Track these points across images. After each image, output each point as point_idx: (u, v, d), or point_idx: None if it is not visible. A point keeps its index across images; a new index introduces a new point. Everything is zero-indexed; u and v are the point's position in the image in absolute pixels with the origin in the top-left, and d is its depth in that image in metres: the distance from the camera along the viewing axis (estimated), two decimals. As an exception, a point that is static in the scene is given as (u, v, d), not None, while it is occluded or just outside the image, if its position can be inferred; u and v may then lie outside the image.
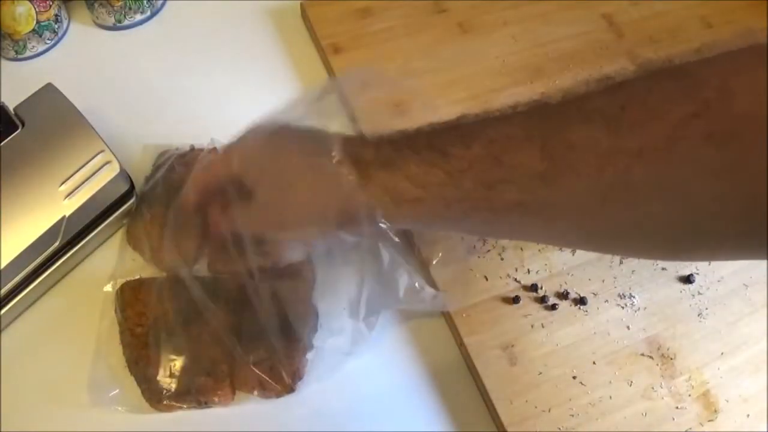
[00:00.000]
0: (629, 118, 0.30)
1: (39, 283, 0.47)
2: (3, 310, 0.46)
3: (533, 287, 0.48)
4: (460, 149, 0.33)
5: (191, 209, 0.43)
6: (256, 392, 0.44)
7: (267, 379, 0.44)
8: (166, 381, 0.44)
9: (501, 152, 0.32)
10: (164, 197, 0.50)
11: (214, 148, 0.53)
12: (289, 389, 0.44)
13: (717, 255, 0.40)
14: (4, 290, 0.45)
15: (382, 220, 0.36)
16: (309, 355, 0.46)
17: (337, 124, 0.42)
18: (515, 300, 0.48)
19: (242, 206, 0.40)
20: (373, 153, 0.36)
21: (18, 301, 0.46)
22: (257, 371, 0.44)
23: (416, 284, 0.45)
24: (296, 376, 0.44)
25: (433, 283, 0.48)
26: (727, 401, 0.45)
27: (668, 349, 0.47)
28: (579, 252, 0.50)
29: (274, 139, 0.40)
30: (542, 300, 0.48)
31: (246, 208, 0.39)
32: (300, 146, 0.39)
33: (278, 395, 0.44)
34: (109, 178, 0.48)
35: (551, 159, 0.31)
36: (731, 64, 0.30)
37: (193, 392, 0.44)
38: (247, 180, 0.39)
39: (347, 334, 0.46)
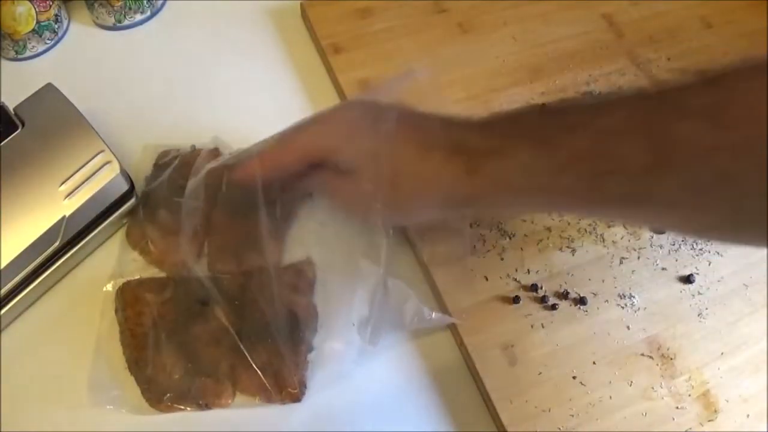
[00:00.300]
0: (730, 115, 0.30)
1: (39, 283, 0.47)
2: (3, 310, 0.46)
3: (533, 287, 0.48)
4: (565, 139, 0.34)
5: (258, 182, 0.44)
6: (258, 399, 0.44)
7: (272, 386, 0.44)
8: (166, 381, 0.44)
9: (607, 145, 0.33)
10: (167, 197, 0.51)
11: (216, 148, 0.53)
12: (296, 398, 0.44)
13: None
14: (4, 290, 0.45)
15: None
16: (310, 356, 0.46)
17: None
18: (515, 300, 0.48)
19: (344, 181, 0.40)
20: (480, 140, 0.37)
21: (18, 301, 0.46)
22: (261, 377, 0.44)
23: (424, 312, 0.47)
24: (302, 384, 0.44)
25: (435, 304, 0.49)
26: (727, 401, 0.45)
27: (668, 349, 0.47)
28: (579, 252, 0.50)
29: (373, 119, 0.39)
30: (542, 300, 0.48)
31: (349, 186, 0.40)
32: (404, 133, 0.39)
33: (283, 403, 0.44)
34: (109, 178, 0.48)
35: (656, 153, 0.31)
36: None
37: (193, 393, 0.44)
38: (344, 158, 0.40)
39: (354, 347, 0.46)
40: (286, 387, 0.44)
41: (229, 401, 0.44)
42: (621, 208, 0.35)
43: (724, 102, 0.31)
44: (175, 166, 0.52)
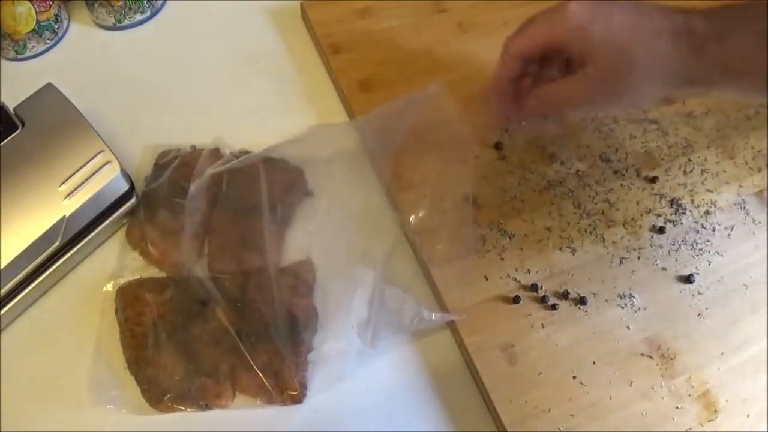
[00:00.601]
0: None
1: (39, 283, 0.47)
2: (3, 310, 0.46)
3: (533, 287, 0.48)
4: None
5: (508, 78, 0.46)
6: (258, 400, 0.44)
7: (273, 387, 0.44)
8: (166, 381, 0.44)
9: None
10: (168, 198, 0.51)
11: (216, 149, 0.53)
12: (297, 400, 0.44)
13: None
14: (4, 290, 0.45)
15: None
16: (309, 357, 0.46)
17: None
18: (515, 300, 0.48)
19: (572, 80, 0.43)
20: (705, 24, 0.39)
21: (18, 301, 0.46)
22: (262, 378, 0.44)
23: (423, 314, 0.47)
24: (303, 386, 0.44)
25: (435, 304, 0.49)
26: (727, 401, 0.45)
27: (668, 349, 0.47)
28: (579, 252, 0.50)
29: (600, 9, 0.42)
30: (542, 300, 0.48)
31: (576, 82, 0.42)
32: (629, 18, 0.41)
33: (284, 404, 0.44)
34: (109, 178, 0.48)
35: None
36: None
37: (193, 393, 0.44)
38: (574, 49, 0.42)
39: (354, 349, 0.46)
40: (287, 388, 0.44)
41: (229, 402, 0.44)
42: None
43: None
44: (175, 167, 0.52)
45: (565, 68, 0.46)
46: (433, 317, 0.47)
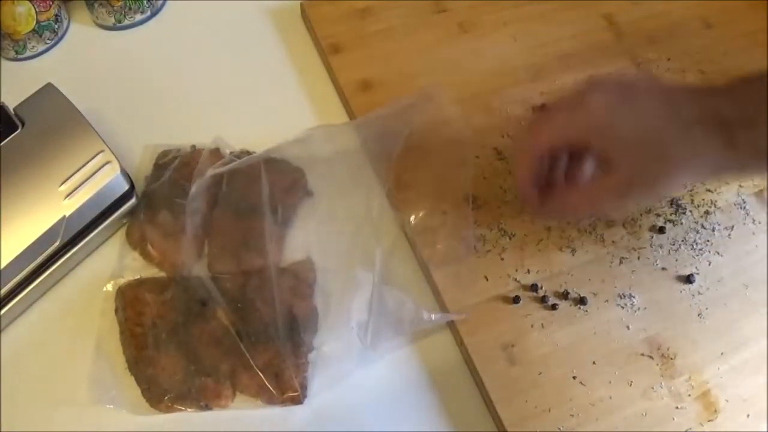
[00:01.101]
0: None
1: (39, 282, 0.47)
2: (3, 310, 0.46)
3: (533, 287, 0.48)
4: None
5: (529, 179, 0.43)
6: (259, 400, 0.44)
7: (273, 388, 0.44)
8: (167, 381, 0.44)
9: None
10: (168, 198, 0.51)
11: (217, 149, 0.53)
12: (297, 401, 0.44)
13: None
14: (5, 290, 0.45)
15: None
16: (310, 357, 0.46)
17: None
18: (515, 300, 0.48)
19: (600, 183, 0.40)
20: (733, 109, 0.37)
21: (18, 300, 0.46)
22: (262, 378, 0.44)
23: (423, 315, 0.47)
24: (304, 387, 0.44)
25: (435, 304, 0.49)
26: (727, 401, 0.45)
27: (668, 349, 0.47)
28: (579, 252, 0.50)
29: (624, 103, 0.39)
30: (542, 300, 0.48)
31: (605, 184, 0.40)
32: (657, 111, 0.39)
33: (284, 405, 0.44)
34: (109, 178, 0.48)
35: None
36: None
37: (193, 393, 0.44)
38: (600, 148, 0.40)
39: (354, 350, 0.46)
40: (287, 389, 0.44)
41: (229, 402, 0.44)
42: None
43: None
44: (175, 167, 0.52)
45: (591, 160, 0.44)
46: (432, 317, 0.47)
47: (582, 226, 0.52)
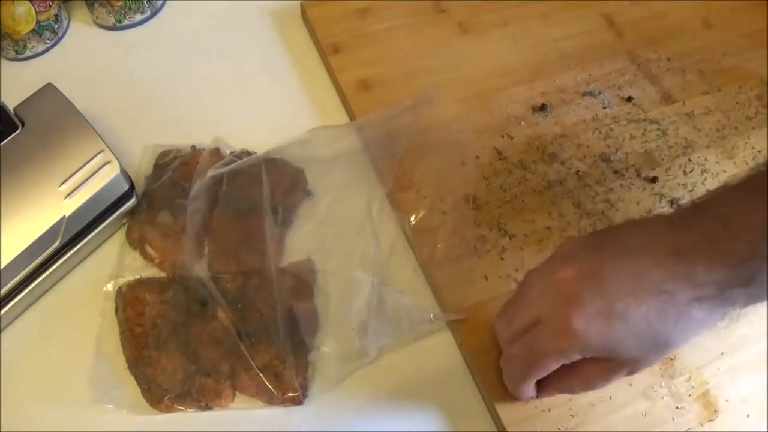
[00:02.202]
0: None
1: (39, 282, 0.47)
2: (3, 310, 0.46)
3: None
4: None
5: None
6: (259, 401, 0.44)
7: (274, 388, 0.44)
8: (167, 381, 0.44)
9: None
10: (168, 198, 0.51)
11: (217, 149, 0.53)
12: (297, 402, 0.44)
13: None
14: (5, 290, 0.45)
15: None
16: (310, 357, 0.46)
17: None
18: (515, 300, 0.48)
19: (599, 366, 0.38)
20: (729, 273, 0.34)
21: (18, 300, 0.46)
22: (262, 378, 0.44)
23: (422, 315, 0.47)
24: (304, 387, 0.44)
25: (435, 303, 0.49)
26: (727, 401, 0.45)
27: (668, 349, 0.47)
28: (579, 252, 0.50)
29: (612, 314, 0.35)
30: (542, 300, 0.48)
31: (605, 367, 0.38)
32: (651, 305, 0.35)
33: (284, 405, 0.44)
34: (109, 178, 0.48)
35: None
36: None
37: (194, 393, 0.44)
38: (593, 350, 0.36)
39: (355, 350, 0.46)
40: (287, 390, 0.44)
41: (230, 402, 0.44)
42: None
43: None
44: (175, 167, 0.52)
45: None
46: (432, 318, 0.47)
47: (581, 225, 0.52)
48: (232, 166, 0.51)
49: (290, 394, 0.44)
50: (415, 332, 0.47)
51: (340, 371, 0.46)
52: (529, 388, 0.41)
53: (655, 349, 0.36)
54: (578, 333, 0.35)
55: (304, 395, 0.44)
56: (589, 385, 0.39)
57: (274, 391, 0.44)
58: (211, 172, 0.50)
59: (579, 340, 0.35)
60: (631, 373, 0.38)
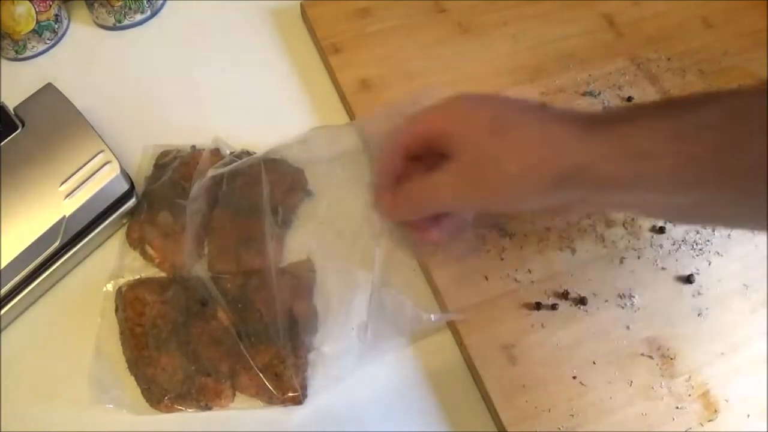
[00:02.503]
0: None
1: (39, 282, 0.47)
2: (3, 310, 0.46)
3: (533, 287, 0.48)
4: (692, 114, 0.32)
5: (387, 173, 0.40)
6: (258, 401, 0.44)
7: (273, 388, 0.44)
8: (167, 382, 0.44)
9: (740, 118, 0.31)
10: (168, 198, 0.51)
11: (216, 149, 0.53)
12: (297, 402, 0.44)
13: None
14: (5, 290, 0.45)
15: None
16: (309, 357, 0.46)
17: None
18: (515, 300, 0.47)
19: (437, 175, 0.36)
20: (599, 114, 0.35)
21: (18, 300, 0.46)
22: (262, 378, 0.44)
23: (423, 317, 0.46)
24: (304, 387, 0.44)
25: (435, 303, 0.49)
26: (727, 401, 0.45)
27: (668, 349, 0.47)
28: (579, 252, 0.50)
29: (490, 99, 0.37)
30: (542, 300, 0.48)
31: (440, 176, 0.36)
32: (516, 105, 0.36)
33: (284, 405, 0.44)
34: (109, 178, 0.48)
35: None
36: None
37: (193, 393, 0.44)
38: (454, 139, 0.36)
39: (354, 350, 0.46)
40: (287, 390, 0.44)
41: (230, 402, 0.44)
42: (750, 191, 0.32)
43: None
44: (175, 167, 0.52)
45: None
46: (432, 318, 0.47)
47: (582, 225, 0.52)
48: (231, 166, 0.51)
49: (290, 394, 0.44)
50: (415, 332, 0.47)
51: (340, 371, 0.46)
52: (390, 157, 0.40)
53: (487, 147, 0.35)
54: (457, 98, 0.38)
55: (304, 395, 0.44)
56: (428, 195, 0.38)
57: (274, 391, 0.44)
58: (210, 172, 0.50)
59: (452, 103, 0.38)
60: (462, 191, 0.36)
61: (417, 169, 0.39)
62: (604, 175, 0.33)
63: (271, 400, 0.44)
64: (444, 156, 0.37)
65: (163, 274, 0.49)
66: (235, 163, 0.51)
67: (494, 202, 0.37)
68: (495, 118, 0.36)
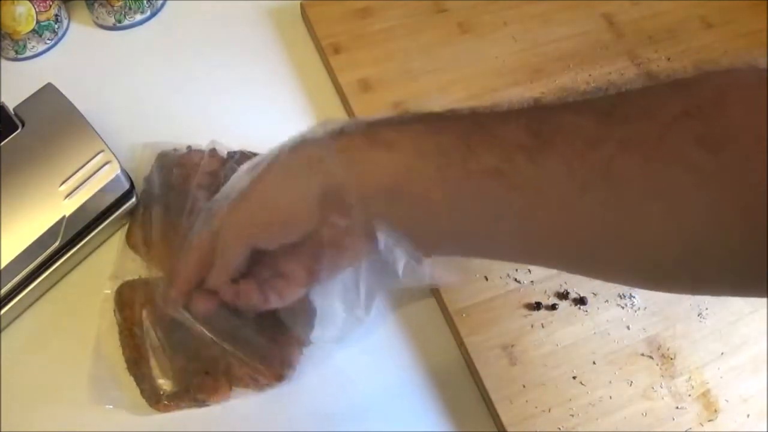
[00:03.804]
0: (620, 113, 0.30)
1: (39, 283, 0.47)
2: (3, 310, 0.46)
3: (533, 287, 0.48)
4: (443, 119, 0.33)
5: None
6: (251, 387, 0.44)
7: (257, 368, 0.44)
8: (165, 380, 0.44)
9: (486, 120, 0.32)
10: (163, 199, 0.51)
11: (213, 149, 0.53)
12: (280, 378, 0.44)
13: (709, 285, 0.33)
14: (4, 290, 0.45)
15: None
16: (306, 348, 0.45)
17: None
18: (515, 300, 0.47)
19: (231, 208, 0.36)
20: (359, 128, 0.34)
21: (18, 301, 0.46)
22: (253, 366, 0.44)
23: (414, 260, 0.45)
24: (286, 364, 0.44)
25: (438, 304, 0.48)
26: (727, 401, 0.45)
27: (668, 349, 0.47)
28: (579, 252, 0.50)
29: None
30: (542, 300, 0.48)
31: (234, 210, 0.36)
32: (290, 152, 0.36)
33: (270, 385, 0.44)
34: (109, 178, 0.48)
35: (536, 136, 0.30)
36: (726, 78, 0.30)
37: (192, 391, 0.44)
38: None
39: (338, 321, 0.45)
40: (271, 367, 0.44)
41: (227, 396, 0.44)
42: (496, 189, 0.31)
43: (614, 104, 0.30)
44: (174, 167, 0.52)
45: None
46: (425, 263, 0.45)
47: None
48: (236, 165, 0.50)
49: (278, 372, 0.44)
50: (410, 280, 0.45)
51: (329, 350, 0.46)
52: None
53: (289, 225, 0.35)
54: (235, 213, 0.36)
55: (285, 370, 0.44)
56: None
57: (263, 375, 0.44)
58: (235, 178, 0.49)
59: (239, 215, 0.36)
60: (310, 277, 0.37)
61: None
62: (362, 183, 0.33)
63: (259, 384, 0.44)
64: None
65: (161, 274, 0.49)
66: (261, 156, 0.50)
67: (279, 235, 0.36)
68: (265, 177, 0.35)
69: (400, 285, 0.43)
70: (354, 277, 0.44)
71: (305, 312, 0.47)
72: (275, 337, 0.45)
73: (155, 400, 0.44)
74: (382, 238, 0.39)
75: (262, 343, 0.44)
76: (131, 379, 0.44)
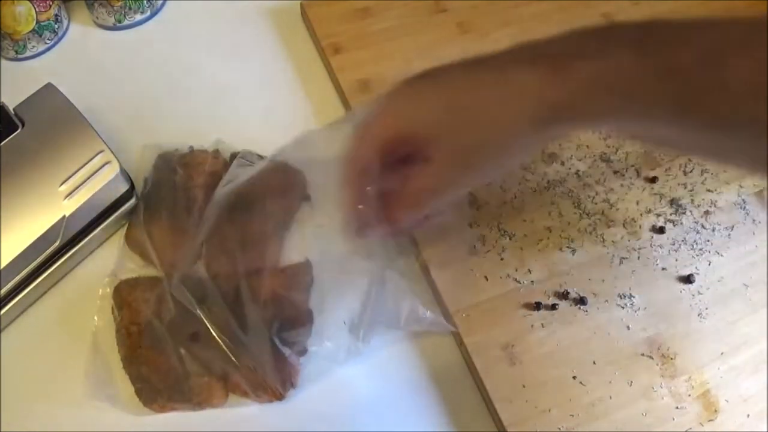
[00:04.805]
0: None
1: (39, 282, 0.47)
2: (3, 310, 0.46)
3: (533, 287, 0.48)
4: (667, 51, 0.31)
5: (361, 170, 0.38)
6: (251, 398, 0.45)
7: (258, 385, 0.44)
8: (160, 381, 0.44)
9: (719, 58, 0.30)
10: (167, 198, 0.51)
11: (216, 150, 0.53)
12: (280, 397, 0.44)
13: None
14: (4, 290, 0.45)
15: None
16: (302, 359, 0.46)
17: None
18: (515, 300, 0.47)
19: (422, 171, 0.36)
20: (565, 46, 0.33)
21: (18, 300, 0.46)
22: (252, 376, 0.44)
23: (419, 310, 0.46)
24: (287, 384, 0.44)
25: (435, 305, 0.48)
26: (727, 401, 0.45)
27: (668, 349, 0.47)
28: (579, 252, 0.50)
29: (429, 83, 0.37)
30: (542, 300, 0.48)
31: (426, 170, 0.36)
32: (459, 70, 0.36)
33: (270, 400, 0.45)
34: (109, 178, 0.48)
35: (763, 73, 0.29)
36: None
37: (187, 392, 0.44)
38: (421, 141, 0.36)
39: (344, 346, 0.46)
40: (278, 386, 0.44)
41: (223, 401, 0.44)
42: (717, 132, 0.31)
43: None
44: (174, 167, 0.52)
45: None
46: (428, 315, 0.46)
47: (582, 225, 0.52)
48: (242, 178, 0.50)
49: (281, 390, 0.44)
50: (414, 329, 0.47)
51: (332, 363, 0.46)
52: (367, 151, 0.39)
53: (461, 122, 0.35)
54: (391, 104, 0.38)
55: (287, 389, 0.44)
56: (415, 200, 0.38)
57: (265, 389, 0.44)
58: (231, 186, 0.50)
59: (393, 110, 0.37)
60: (452, 177, 0.36)
61: (389, 178, 0.38)
62: (582, 111, 0.33)
63: (262, 398, 0.44)
64: (409, 155, 0.37)
65: (160, 274, 0.49)
66: (243, 177, 0.50)
67: (488, 173, 0.38)
68: (449, 98, 0.36)
69: (399, 329, 0.45)
70: (360, 312, 0.44)
71: (304, 319, 0.47)
72: (278, 355, 0.45)
73: (150, 400, 0.44)
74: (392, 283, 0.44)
75: (266, 359, 0.44)
76: (127, 377, 0.44)
